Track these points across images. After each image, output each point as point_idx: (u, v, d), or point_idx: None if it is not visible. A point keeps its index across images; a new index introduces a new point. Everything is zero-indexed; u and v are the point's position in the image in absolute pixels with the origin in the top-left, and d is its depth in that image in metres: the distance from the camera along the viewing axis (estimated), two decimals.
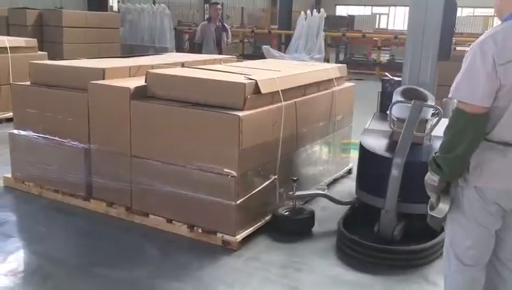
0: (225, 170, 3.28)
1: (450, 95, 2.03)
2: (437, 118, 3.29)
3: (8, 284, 2.83)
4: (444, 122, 3.22)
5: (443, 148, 2.07)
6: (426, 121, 3.42)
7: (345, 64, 5.01)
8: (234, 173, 3.26)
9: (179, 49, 13.90)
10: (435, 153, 2.12)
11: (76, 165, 3.90)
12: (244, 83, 3.36)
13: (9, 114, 6.38)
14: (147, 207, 3.65)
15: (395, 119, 3.42)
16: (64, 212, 3.86)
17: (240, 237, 3.34)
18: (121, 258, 3.20)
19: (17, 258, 3.19)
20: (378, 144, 3.55)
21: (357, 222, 3.56)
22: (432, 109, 3.36)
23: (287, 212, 3.63)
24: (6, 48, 6.62)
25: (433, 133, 3.41)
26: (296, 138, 3.94)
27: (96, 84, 3.77)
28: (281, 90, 3.65)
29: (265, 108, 3.51)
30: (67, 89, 3.97)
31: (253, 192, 3.44)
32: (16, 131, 4.25)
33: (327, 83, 4.44)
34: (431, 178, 2.12)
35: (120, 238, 3.49)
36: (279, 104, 3.63)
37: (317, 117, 4.26)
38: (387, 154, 3.38)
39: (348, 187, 4.64)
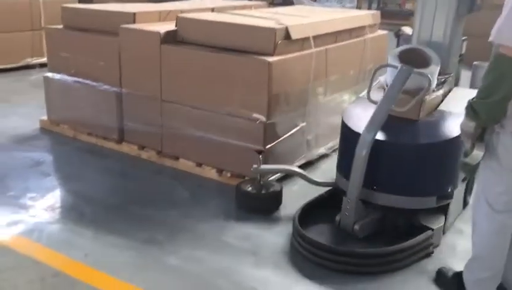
0: (254, 115, 3.31)
1: (490, 39, 1.96)
2: (436, 88, 2.89)
3: (47, 219, 2.98)
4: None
5: (481, 93, 2.04)
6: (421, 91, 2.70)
7: (378, 12, 4.86)
8: (263, 119, 3.29)
9: None
10: (472, 99, 2.09)
11: (108, 109, 3.98)
12: (275, 28, 3.32)
13: (43, 59, 6.51)
14: (177, 151, 3.73)
15: (386, 88, 2.84)
16: (98, 154, 3.99)
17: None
18: (152, 198, 3.31)
19: (54, 196, 3.34)
20: (361, 118, 2.78)
21: (327, 211, 2.88)
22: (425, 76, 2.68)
23: (250, 187, 3.17)
24: None
25: (443, 108, 2.92)
26: (325, 86, 3.91)
27: (126, 28, 3.79)
28: (312, 36, 3.60)
29: (295, 54, 3.47)
30: (99, 33, 4.00)
31: (282, 138, 3.46)
32: (50, 74, 4.34)
33: (359, 30, 4.34)
34: (467, 124, 2.11)
35: (151, 180, 3.60)
36: (309, 51, 3.59)
37: (347, 65, 4.19)
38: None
39: None
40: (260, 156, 3.11)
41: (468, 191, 3.21)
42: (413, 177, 2.71)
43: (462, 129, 2.15)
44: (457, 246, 2.86)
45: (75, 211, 3.09)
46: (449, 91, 3.15)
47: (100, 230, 2.86)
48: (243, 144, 3.37)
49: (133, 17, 3.89)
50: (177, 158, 3.74)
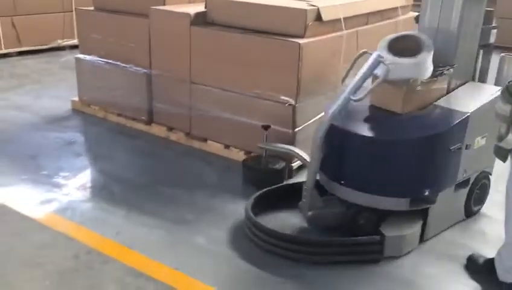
0: (283, 98, 3.29)
1: None
2: (431, 79, 2.59)
3: (80, 198, 3.05)
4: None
5: None
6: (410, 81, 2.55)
7: None
8: (292, 102, 3.27)
9: None
10: (509, 82, 2.04)
11: (138, 90, 4.02)
12: (306, 9, 3.28)
13: (73, 41, 6.61)
14: (206, 133, 3.75)
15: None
16: (127, 135, 4.04)
17: (295, 164, 3.39)
18: (180, 179, 3.35)
19: (85, 175, 3.42)
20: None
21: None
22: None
23: (254, 163, 3.25)
24: None
25: (442, 103, 2.67)
26: (355, 69, 3.85)
27: (157, 9, 3.80)
28: (343, 18, 3.54)
29: (326, 36, 3.43)
30: (129, 15, 4.02)
31: (310, 121, 3.44)
32: (81, 56, 4.40)
33: (391, 11, 4.26)
34: (502, 108, 2.07)
35: (180, 161, 3.64)
36: (340, 33, 3.54)
37: None
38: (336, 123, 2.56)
39: None
40: (266, 132, 3.13)
41: (474, 201, 2.90)
42: (381, 174, 2.51)
43: (497, 112, 2.12)
44: (488, 232, 2.82)
45: (106, 190, 3.15)
46: (461, 85, 2.84)
47: (131, 209, 2.91)
48: (272, 126, 3.36)
49: None
50: (205, 140, 3.76)
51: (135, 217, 2.85)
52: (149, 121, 4.05)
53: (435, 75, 2.63)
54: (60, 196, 3.04)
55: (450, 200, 2.72)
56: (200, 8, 3.72)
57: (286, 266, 2.47)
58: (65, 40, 6.73)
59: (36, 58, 6.40)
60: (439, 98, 2.70)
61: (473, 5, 2.74)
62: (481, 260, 2.47)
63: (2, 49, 6.26)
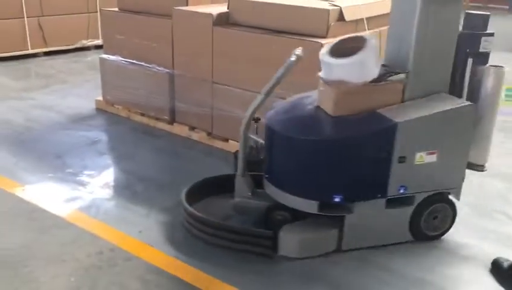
0: None
1: None
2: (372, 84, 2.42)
3: (104, 196, 3.10)
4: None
5: None
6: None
7: None
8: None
9: None
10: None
11: (161, 90, 4.06)
12: (328, 10, 3.27)
13: (98, 41, 6.71)
14: (227, 133, 3.77)
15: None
16: (150, 134, 4.09)
17: None
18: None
19: (109, 174, 3.47)
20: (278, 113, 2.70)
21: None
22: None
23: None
24: None
25: (384, 111, 2.45)
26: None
27: (180, 10, 3.83)
28: (366, 17, 3.52)
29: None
30: (153, 15, 4.07)
31: None
32: (105, 56, 4.47)
33: None
34: None
35: (202, 160, 3.66)
36: (363, 33, 3.51)
37: None
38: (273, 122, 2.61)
39: None
40: (256, 124, 3.01)
41: (427, 223, 2.62)
42: (293, 174, 2.52)
43: None
44: None
45: (129, 189, 3.19)
46: (427, 95, 2.54)
47: (153, 208, 2.95)
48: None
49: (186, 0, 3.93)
50: (226, 140, 3.78)
51: (157, 215, 2.88)
52: (171, 121, 4.09)
53: (380, 80, 2.48)
54: (84, 194, 3.10)
55: (380, 215, 2.53)
56: (223, 8, 3.74)
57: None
58: (90, 40, 6.84)
59: (62, 58, 6.52)
60: (387, 105, 2.48)
61: (440, 6, 2.44)
62: (506, 265, 2.43)
63: (28, 49, 6.40)
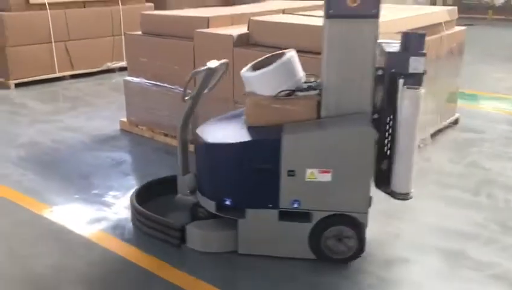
0: None
1: None
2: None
3: (128, 216, 3.13)
4: None
5: None
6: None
7: (455, 7, 4.67)
8: None
9: None
10: None
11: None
12: None
13: (122, 63, 6.88)
14: None
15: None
16: (174, 154, 4.10)
17: None
18: None
19: None
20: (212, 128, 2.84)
21: None
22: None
23: None
24: (118, 0, 7.02)
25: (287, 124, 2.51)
26: None
27: (201, 32, 3.91)
28: (386, 34, 3.52)
29: None
30: (175, 38, 4.16)
31: None
32: (129, 78, 4.58)
33: (435, 27, 4.19)
34: None
35: None
36: None
37: None
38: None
39: (452, 138, 4.46)
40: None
41: (327, 244, 2.56)
42: (200, 175, 2.77)
43: None
44: None
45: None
46: (349, 114, 2.53)
47: None
48: None
49: (207, 22, 4.01)
50: None
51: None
52: (194, 141, 4.13)
53: (288, 94, 2.57)
54: (109, 215, 3.15)
55: (274, 226, 2.56)
56: (243, 29, 3.81)
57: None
58: (114, 62, 7.01)
59: (87, 80, 6.70)
60: (302, 120, 2.53)
61: (347, 27, 2.45)
62: None
63: (56, 73, 6.60)
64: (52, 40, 6.47)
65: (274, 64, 2.58)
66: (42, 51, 6.44)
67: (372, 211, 2.57)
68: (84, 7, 6.80)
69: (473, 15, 12.52)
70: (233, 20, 4.26)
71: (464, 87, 5.09)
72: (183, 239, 2.73)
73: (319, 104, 2.54)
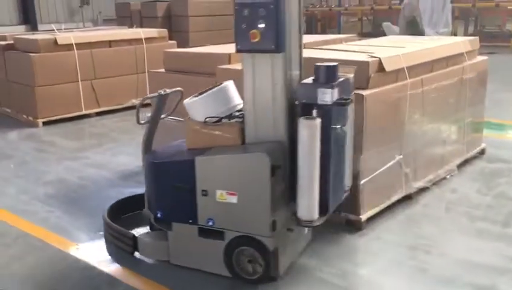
0: None
1: None
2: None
3: None
4: None
5: None
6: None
7: (476, 37, 4.66)
8: (358, 153, 3.25)
9: None
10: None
11: None
12: (368, 61, 3.30)
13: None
14: None
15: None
16: None
17: (364, 216, 3.33)
18: None
19: None
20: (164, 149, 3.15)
21: None
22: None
23: None
24: (142, 39, 7.23)
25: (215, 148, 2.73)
26: (422, 116, 3.79)
27: (222, 68, 3.97)
28: (406, 67, 3.53)
29: (390, 86, 3.42)
30: (197, 74, 4.24)
31: (378, 172, 3.39)
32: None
33: (457, 57, 4.18)
34: None
35: None
36: (404, 82, 3.52)
37: (445, 94, 4.04)
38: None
39: (479, 169, 4.37)
40: None
41: (240, 265, 2.71)
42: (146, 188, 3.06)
43: None
44: None
45: None
46: (262, 141, 2.68)
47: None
48: None
49: (228, 58, 4.08)
50: None
51: (198, 273, 2.89)
52: None
53: (217, 121, 2.79)
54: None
55: (195, 241, 2.78)
56: None
57: None
58: (139, 99, 7.14)
59: (113, 117, 6.84)
60: (229, 144, 2.72)
61: (257, 60, 2.62)
62: None
63: (82, 110, 6.76)
64: (79, 79, 6.67)
65: (205, 94, 2.86)
66: (69, 90, 6.64)
67: (394, 243, 2.51)
68: (110, 46, 7.01)
69: (495, 43, 12.45)
70: None
71: (489, 117, 5.01)
72: (136, 247, 3.01)
73: (242, 130, 2.71)
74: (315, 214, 2.58)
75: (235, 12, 2.57)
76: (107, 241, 3.23)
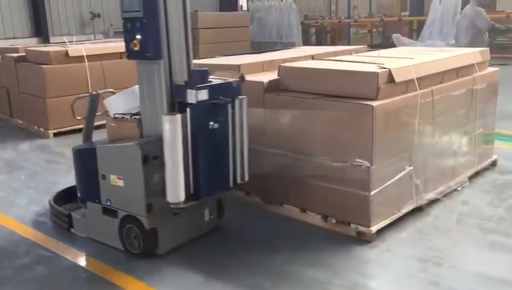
0: (359, 160, 3.26)
1: None
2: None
3: (159, 262, 3.14)
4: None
5: None
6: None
7: (487, 48, 4.63)
8: (368, 164, 3.23)
9: (306, 43, 14.00)
10: None
11: None
12: (377, 72, 3.30)
13: None
14: (281, 197, 3.77)
15: None
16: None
17: (374, 228, 3.30)
18: (257, 243, 3.36)
19: None
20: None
21: None
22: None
23: None
24: None
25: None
26: (432, 127, 3.76)
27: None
28: (416, 78, 3.51)
29: (399, 97, 3.41)
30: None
31: (388, 183, 3.37)
32: None
33: (467, 68, 4.16)
34: None
35: (256, 225, 3.66)
36: (414, 93, 3.51)
37: (456, 105, 4.02)
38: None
39: (491, 180, 4.32)
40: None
41: (128, 239, 3.22)
42: None
43: None
44: None
45: (182, 254, 3.22)
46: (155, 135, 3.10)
47: (209, 274, 2.96)
48: (348, 189, 3.33)
49: (238, 69, 4.09)
50: (281, 204, 3.78)
51: (214, 283, 2.87)
52: None
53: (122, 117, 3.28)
54: (145, 264, 3.15)
55: (100, 219, 3.30)
56: (273, 75, 3.86)
57: None
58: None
59: None
60: (131, 137, 3.18)
61: (142, 63, 3.12)
62: None
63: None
64: (90, 91, 6.70)
65: (118, 94, 3.48)
66: (80, 101, 6.66)
67: (405, 255, 2.47)
68: (121, 58, 7.06)
69: (506, 55, 12.39)
70: (264, 66, 4.34)
71: (500, 128, 4.97)
72: (71, 224, 3.51)
73: (140, 126, 3.17)
74: (180, 197, 2.95)
75: (123, 25, 3.08)
76: (52, 222, 3.66)
